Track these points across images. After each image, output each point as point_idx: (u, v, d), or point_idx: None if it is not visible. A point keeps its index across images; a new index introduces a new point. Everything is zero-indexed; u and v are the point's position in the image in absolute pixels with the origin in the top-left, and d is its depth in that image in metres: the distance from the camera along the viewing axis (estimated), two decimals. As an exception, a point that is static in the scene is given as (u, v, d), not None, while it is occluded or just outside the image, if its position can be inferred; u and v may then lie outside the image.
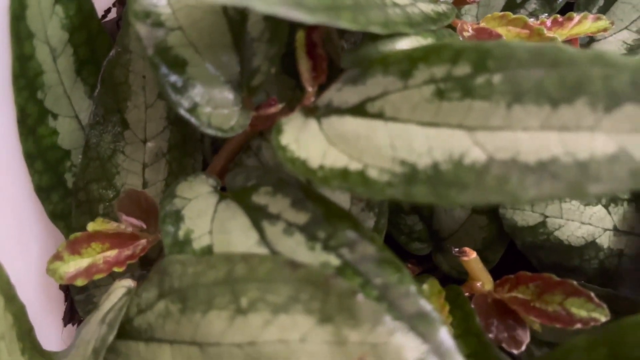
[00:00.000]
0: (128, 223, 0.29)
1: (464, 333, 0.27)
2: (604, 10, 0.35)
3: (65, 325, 0.32)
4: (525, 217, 0.31)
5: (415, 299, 0.22)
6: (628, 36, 0.35)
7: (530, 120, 0.21)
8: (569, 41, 0.35)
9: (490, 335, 0.27)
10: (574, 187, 0.20)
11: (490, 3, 0.35)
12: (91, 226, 0.29)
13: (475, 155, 0.21)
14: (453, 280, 0.32)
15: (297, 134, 0.25)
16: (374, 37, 0.25)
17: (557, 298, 0.27)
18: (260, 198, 0.26)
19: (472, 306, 0.28)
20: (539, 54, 0.21)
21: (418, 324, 0.22)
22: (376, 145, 0.23)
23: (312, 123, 0.25)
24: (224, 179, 0.28)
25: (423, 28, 0.25)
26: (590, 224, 0.32)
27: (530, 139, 0.21)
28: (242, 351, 0.22)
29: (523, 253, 0.32)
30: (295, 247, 0.24)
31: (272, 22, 0.25)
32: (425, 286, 0.26)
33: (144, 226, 0.29)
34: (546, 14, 0.34)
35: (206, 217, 0.26)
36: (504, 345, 0.27)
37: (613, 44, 0.35)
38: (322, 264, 0.23)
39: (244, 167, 0.29)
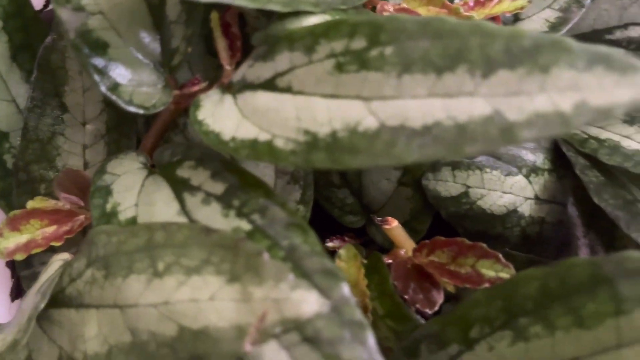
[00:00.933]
0: (66, 200, 0.30)
1: (379, 295, 0.28)
2: (525, -10, 0.37)
3: (12, 300, 0.34)
4: (448, 188, 0.33)
5: (319, 258, 0.24)
6: (551, 14, 0.36)
7: (418, 88, 0.23)
8: (493, 19, 0.36)
9: (406, 297, 0.29)
10: (452, 148, 0.21)
11: (417, -15, 0.37)
12: (30, 204, 0.30)
13: (369, 123, 0.23)
14: (387, 251, 0.34)
15: (214, 109, 0.26)
16: (283, 16, 0.26)
17: (469, 261, 0.29)
18: (183, 172, 0.28)
19: (392, 271, 0.30)
20: (426, 26, 0.23)
21: (320, 280, 0.23)
22: (284, 117, 0.25)
23: (228, 99, 0.27)
24: (153, 156, 0.30)
25: (331, 7, 0.27)
26: (511, 193, 0.33)
27: (418, 106, 0.22)
28: (157, 310, 0.24)
29: (448, 223, 0.34)
30: (211, 215, 0.26)
31: (187, 5, 0.27)
32: (341, 251, 0.28)
33: (82, 203, 0.31)
34: (468, -5, 0.36)
35: (133, 191, 0.28)
36: (418, 305, 0.29)
37: (536, 22, 0.36)
38: (234, 229, 0.25)
39: (171, 143, 0.30)
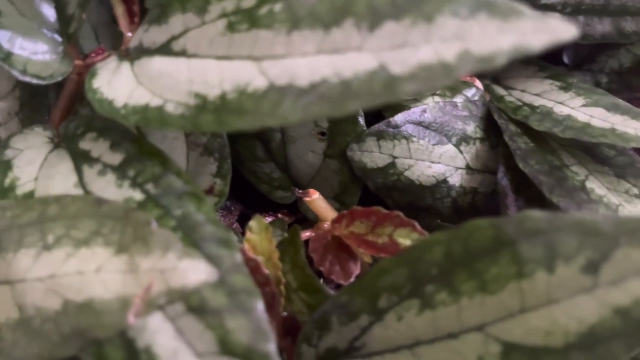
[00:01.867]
0: (-26, 179, 0.29)
1: (293, 267, 0.27)
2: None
3: None
4: (374, 159, 0.32)
5: (212, 227, 0.23)
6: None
7: (307, 45, 0.22)
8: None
9: (323, 270, 0.28)
10: (336, 105, 0.20)
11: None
12: (-64, 183, 0.29)
13: (258, 83, 0.22)
14: (318, 227, 0.33)
15: (110, 77, 0.25)
16: (177, -23, 0.25)
17: (387, 230, 0.28)
18: (85, 144, 0.27)
19: (310, 243, 0.29)
20: (313, -20, 0.22)
21: (211, 249, 0.22)
22: (177, 81, 0.24)
23: (126, 66, 0.25)
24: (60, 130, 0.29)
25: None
26: (440, 163, 0.32)
27: (306, 63, 0.21)
28: (43, 284, 0.23)
29: (377, 194, 0.33)
30: (106, 186, 0.25)
31: (79, -33, 0.26)
32: (252, 223, 0.27)
33: (-10, 182, 0.30)
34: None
35: (35, 165, 0.27)
36: (333, 277, 0.28)
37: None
38: (126, 200, 0.24)
39: (77, 116, 0.29)
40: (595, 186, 0.29)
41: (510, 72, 0.38)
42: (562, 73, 0.36)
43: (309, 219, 0.35)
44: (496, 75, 0.39)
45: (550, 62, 0.39)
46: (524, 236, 0.21)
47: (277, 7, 0.22)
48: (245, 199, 0.36)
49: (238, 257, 0.22)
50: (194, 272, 0.21)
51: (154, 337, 0.21)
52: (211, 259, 0.22)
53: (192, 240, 0.23)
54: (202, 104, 0.23)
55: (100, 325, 0.21)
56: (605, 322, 0.20)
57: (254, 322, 0.21)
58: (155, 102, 0.24)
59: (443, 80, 0.19)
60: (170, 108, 0.23)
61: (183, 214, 0.23)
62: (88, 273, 0.22)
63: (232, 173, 0.31)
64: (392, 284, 0.24)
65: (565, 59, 0.39)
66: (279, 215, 0.35)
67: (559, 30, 0.18)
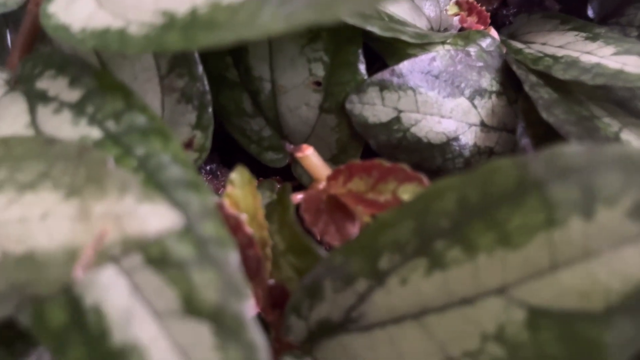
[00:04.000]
0: None
1: (280, 227, 0.24)
2: None
3: None
4: (376, 113, 0.28)
5: (179, 168, 0.19)
6: None
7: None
8: None
9: (315, 230, 0.24)
10: (324, 9, 0.17)
11: None
12: None
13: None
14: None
15: (69, 2, 0.22)
16: None
17: (390, 186, 0.24)
18: (43, 83, 0.23)
19: (303, 202, 0.25)
20: None
21: (177, 192, 0.19)
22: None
23: (86, -12, 0.22)
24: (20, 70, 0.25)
25: None
26: (451, 119, 0.28)
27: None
28: (-20, 234, 0.19)
29: (379, 154, 0.29)
30: (61, 125, 0.21)
31: None
32: (233, 175, 0.23)
33: (-58, 133, 0.26)
34: None
35: (-15, 108, 0.23)
36: (328, 239, 0.24)
37: None
38: (82, 138, 0.20)
39: (36, 54, 0.26)
40: (632, 138, 0.25)
41: (529, 28, 0.34)
42: (588, 24, 0.33)
43: (304, 186, 0.31)
44: (513, 31, 0.35)
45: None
46: (556, 176, 0.18)
47: None
48: (232, 162, 0.32)
49: (210, 201, 0.18)
50: (156, 217, 0.18)
51: (104, 293, 0.17)
52: (177, 204, 0.18)
53: (155, 183, 0.19)
54: (170, 22, 0.19)
55: (42, 280, 0.18)
56: (657, 279, 0.16)
57: (225, 277, 0.17)
58: (117, 24, 0.20)
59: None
60: (133, 29, 0.19)
61: (146, 154, 0.20)
62: (31, 220, 0.19)
63: (216, 131, 0.27)
64: (395, 240, 0.20)
65: (590, 13, 0.35)
66: (272, 178, 0.31)
67: None
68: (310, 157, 0.26)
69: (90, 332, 0.17)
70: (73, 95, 0.22)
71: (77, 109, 0.21)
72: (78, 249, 0.18)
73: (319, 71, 0.28)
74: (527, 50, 0.31)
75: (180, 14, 0.19)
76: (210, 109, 0.26)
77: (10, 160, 0.20)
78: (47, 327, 0.17)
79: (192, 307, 0.17)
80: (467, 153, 0.29)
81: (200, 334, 0.16)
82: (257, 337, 0.17)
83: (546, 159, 0.18)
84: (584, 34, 0.31)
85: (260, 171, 0.32)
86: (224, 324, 0.16)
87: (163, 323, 0.17)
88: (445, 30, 0.33)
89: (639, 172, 0.17)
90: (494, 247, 0.19)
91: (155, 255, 0.18)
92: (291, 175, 0.32)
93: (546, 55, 0.30)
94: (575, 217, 0.17)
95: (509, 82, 0.30)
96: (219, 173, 0.32)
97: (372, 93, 0.28)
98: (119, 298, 0.17)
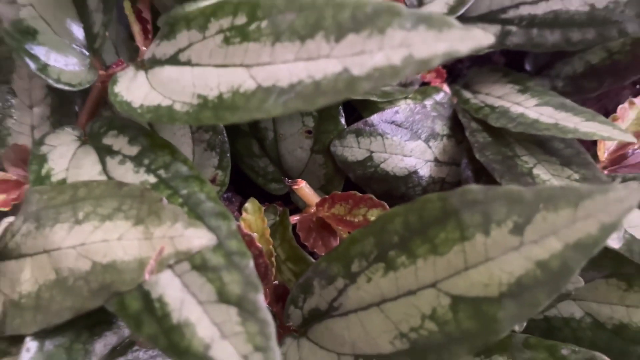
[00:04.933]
0: (13, 172, 0.35)
1: (281, 242, 0.32)
2: (428, -23, 0.41)
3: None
4: (354, 153, 0.36)
5: (212, 204, 0.28)
6: (450, -2, 0.40)
7: (287, 54, 0.27)
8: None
9: (307, 244, 0.33)
10: (309, 101, 0.25)
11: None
12: (-18, 176, 0.34)
13: (248, 85, 0.27)
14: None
15: (129, 83, 0.31)
16: (183, 1, 0.30)
17: (362, 211, 0.33)
18: (108, 140, 0.32)
19: (298, 223, 0.34)
20: (291, 2, 0.27)
21: (211, 220, 0.27)
22: (183, 85, 0.29)
23: (141, 74, 0.31)
24: (86, 129, 0.34)
25: (228, -9, 0.31)
26: (412, 157, 0.37)
27: (286, 68, 0.26)
28: (75, 251, 0.28)
29: (358, 185, 0.37)
30: (125, 173, 0.30)
31: (103, -6, 0.31)
32: (247, 204, 0.32)
33: (27, 174, 0.35)
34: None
35: (66, 158, 0.32)
36: (316, 251, 0.33)
37: (438, 5, 0.40)
38: (142, 182, 0.29)
39: (100, 117, 0.34)
40: (542, 172, 0.34)
41: (479, 79, 0.43)
42: (523, 77, 0.41)
43: (300, 209, 0.40)
44: (467, 81, 0.44)
45: (514, 69, 0.44)
46: (465, 206, 0.26)
47: (264, 24, 0.27)
48: (244, 192, 0.41)
49: (233, 226, 0.27)
50: (197, 238, 0.26)
51: (165, 289, 0.26)
52: (211, 228, 0.27)
53: (195, 214, 0.28)
54: (203, 103, 0.28)
55: (122, 281, 0.26)
56: (530, 273, 0.25)
57: (245, 277, 0.25)
58: (165, 102, 0.29)
59: (392, 79, 0.24)
60: (177, 107, 0.28)
61: (188, 193, 0.28)
62: (112, 241, 0.27)
63: (232, 169, 0.36)
64: (362, 251, 0.29)
65: (527, 67, 0.44)
66: (274, 204, 0.40)
67: (480, 38, 0.23)
68: (304, 188, 0.35)
69: (157, 315, 0.25)
70: (132, 150, 0.31)
71: (137, 160, 0.30)
72: (145, 260, 0.27)
73: (310, 123, 0.37)
74: (472, 100, 0.40)
75: (210, 97, 0.28)
76: (228, 154, 0.35)
77: (92, 198, 0.29)
78: (127, 312, 0.26)
79: (223, 297, 0.25)
80: (424, 183, 0.37)
81: (230, 314, 0.25)
82: (268, 316, 0.25)
83: (459, 194, 0.26)
84: (517, 87, 0.40)
85: (266, 198, 0.40)
86: (245, 308, 0.25)
87: (204, 308, 0.25)
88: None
89: (517, 205, 0.25)
90: (428, 255, 0.27)
91: (197, 263, 0.26)
92: (289, 201, 0.40)
93: (486, 105, 0.39)
94: (479, 234, 0.26)
95: (457, 127, 0.38)
96: (233, 199, 0.40)
97: (350, 139, 0.36)
98: (174, 292, 0.26)
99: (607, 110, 0.39)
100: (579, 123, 0.34)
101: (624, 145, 0.36)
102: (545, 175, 0.34)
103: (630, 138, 0.31)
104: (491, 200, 0.26)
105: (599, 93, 0.42)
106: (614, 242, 0.29)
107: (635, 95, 0.44)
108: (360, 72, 0.25)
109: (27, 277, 0.29)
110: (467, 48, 0.23)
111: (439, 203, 0.27)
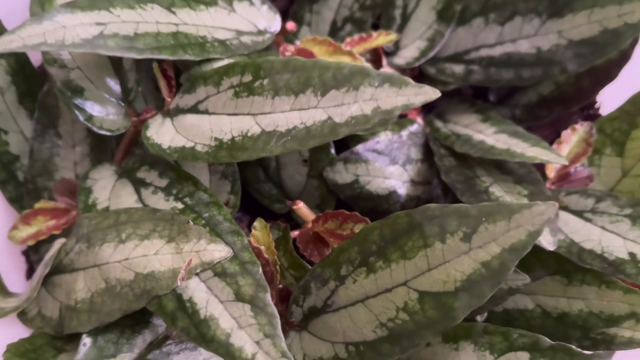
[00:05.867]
0: (62, 202, 0.42)
1: (284, 252, 0.39)
2: (402, 26, 0.48)
3: (27, 279, 0.45)
4: (343, 177, 0.44)
5: (228, 224, 0.35)
6: (421, 43, 0.48)
7: (284, 106, 0.34)
8: (376, 50, 0.48)
9: (305, 254, 0.40)
10: (302, 142, 0.32)
11: (319, 27, 0.48)
12: (37, 205, 0.42)
13: (255, 129, 0.34)
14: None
15: (158, 129, 0.38)
16: (200, 62, 0.38)
17: (349, 225, 0.40)
18: (141, 174, 0.39)
19: (297, 237, 0.41)
20: (287, 64, 0.34)
21: (228, 237, 0.34)
22: (202, 130, 0.36)
23: (168, 121, 0.38)
24: (122, 165, 0.41)
25: (235, 53, 0.38)
26: (391, 179, 0.44)
27: (284, 117, 0.34)
28: (120, 264, 0.35)
29: (347, 203, 0.45)
30: (158, 200, 0.37)
31: (135, 59, 0.38)
32: (255, 223, 0.39)
33: (73, 203, 0.42)
34: (357, 34, 0.47)
35: (107, 190, 0.39)
36: (312, 259, 0.40)
37: (411, 50, 0.48)
38: (172, 208, 0.36)
39: (135, 155, 0.42)
40: (496, 190, 0.41)
41: (450, 109, 0.50)
42: (486, 107, 0.49)
43: (299, 225, 0.47)
44: (440, 111, 0.51)
45: (481, 99, 0.51)
46: (426, 220, 0.33)
47: (265, 81, 0.35)
48: (252, 211, 0.48)
49: (245, 241, 0.34)
50: (218, 251, 0.34)
51: (193, 292, 0.33)
52: (228, 243, 0.34)
53: (215, 232, 0.35)
54: (220, 145, 0.35)
55: (159, 287, 0.34)
56: (477, 272, 0.32)
57: (256, 281, 0.33)
58: (189, 144, 0.36)
59: (364, 125, 0.31)
60: (199, 148, 0.36)
61: (209, 216, 0.35)
62: (150, 256, 0.34)
63: (241, 192, 0.43)
64: (348, 258, 0.36)
65: (491, 97, 0.51)
66: (278, 222, 0.47)
67: (430, 93, 0.31)
68: (302, 208, 0.42)
69: (188, 312, 0.32)
70: (162, 182, 0.38)
71: (167, 190, 0.37)
72: (177, 270, 0.34)
73: (306, 153, 0.44)
74: (442, 129, 0.47)
75: (225, 140, 0.35)
76: (238, 181, 0.42)
77: (132, 222, 0.36)
78: (164, 311, 0.33)
79: (239, 297, 0.32)
80: (402, 200, 0.44)
81: (244, 310, 0.32)
82: (274, 311, 0.32)
83: (422, 211, 0.33)
84: (480, 116, 0.47)
85: (270, 216, 0.47)
86: (256, 305, 0.32)
87: (225, 305, 0.32)
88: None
89: (466, 218, 0.32)
90: (399, 260, 0.34)
91: (218, 271, 0.33)
92: (290, 218, 0.47)
93: (453, 133, 0.46)
94: (437, 242, 0.33)
95: (429, 152, 0.45)
96: (243, 218, 0.47)
97: (340, 165, 0.44)
98: (201, 294, 0.33)
99: (559, 133, 0.46)
100: (526, 148, 0.41)
101: (567, 165, 0.43)
102: (500, 192, 0.41)
103: (564, 161, 0.39)
104: (446, 215, 0.33)
105: (551, 119, 0.49)
106: (550, 245, 0.36)
107: (584, 119, 0.51)
108: (340, 120, 0.32)
109: (81, 286, 0.37)
110: (420, 101, 0.31)
111: (406, 218, 0.34)
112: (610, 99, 0.48)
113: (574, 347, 0.36)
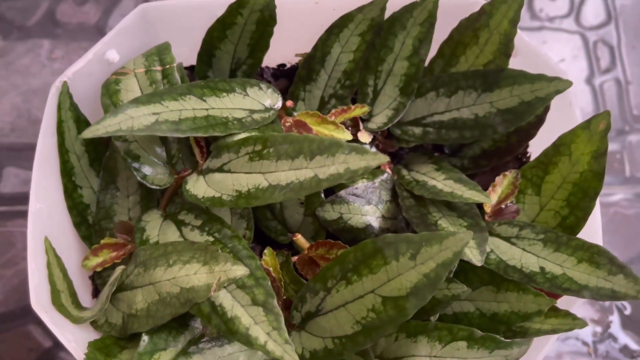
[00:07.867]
0: (121, 238, 0.55)
1: (287, 272, 0.53)
2: (373, 100, 0.62)
3: (93, 298, 0.58)
4: (331, 215, 0.57)
5: (246, 251, 0.48)
6: (389, 112, 0.62)
7: (284, 167, 0.47)
8: (354, 118, 0.62)
9: (303, 273, 0.53)
10: (297, 192, 0.46)
11: (311, 102, 0.62)
12: (102, 241, 0.55)
13: (264, 184, 0.48)
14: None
15: (194, 183, 0.52)
16: (224, 135, 0.52)
17: (334, 251, 0.53)
18: (182, 216, 0.53)
19: (296, 261, 0.54)
20: (286, 138, 0.48)
21: (245, 261, 0.48)
22: (226, 184, 0.50)
23: (201, 178, 0.52)
24: (166, 210, 0.55)
25: (251, 128, 0.52)
26: (367, 215, 0.57)
27: (284, 174, 0.47)
28: (169, 282, 0.48)
29: (335, 235, 0.58)
30: (195, 236, 0.50)
31: (177, 133, 0.52)
32: (265, 251, 0.52)
33: (130, 239, 0.56)
34: (340, 107, 0.61)
35: (156, 229, 0.53)
36: (308, 277, 0.53)
37: (381, 117, 0.62)
38: (205, 241, 0.50)
39: (175, 203, 0.55)
40: (444, 222, 0.54)
41: (414, 160, 0.64)
42: (440, 159, 0.62)
43: (298, 251, 0.60)
44: (406, 162, 0.64)
45: (438, 152, 0.65)
46: (385, 246, 0.46)
47: (271, 150, 0.48)
48: (263, 243, 0.61)
49: (258, 264, 0.47)
50: (239, 271, 0.46)
51: (222, 299, 0.46)
52: (246, 265, 0.47)
53: (237, 257, 0.48)
54: (239, 195, 0.48)
55: (198, 297, 0.46)
56: (420, 281, 0.44)
57: (266, 291, 0.45)
58: (217, 195, 0.49)
59: (339, 181, 0.45)
60: (224, 197, 0.49)
61: (232, 246, 0.49)
62: (190, 275, 0.47)
63: (254, 228, 0.56)
64: (332, 274, 0.48)
65: (446, 150, 0.65)
66: (282, 250, 0.60)
67: (383, 158, 0.44)
68: (300, 239, 0.55)
69: (219, 313, 0.45)
70: (198, 222, 0.51)
71: (201, 228, 0.51)
72: (210, 284, 0.47)
73: (302, 198, 0.57)
74: (406, 177, 0.60)
75: (243, 191, 0.48)
76: (252, 220, 0.55)
77: (176, 252, 0.49)
78: (202, 313, 0.46)
79: (255, 302, 0.45)
80: (376, 232, 0.57)
81: (258, 311, 0.45)
82: (280, 312, 0.45)
83: (382, 239, 0.46)
84: (435, 166, 0.60)
85: (276, 245, 0.60)
86: (267, 307, 0.45)
87: (244, 308, 0.45)
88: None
89: (412, 244, 0.45)
90: (368, 274, 0.46)
91: (240, 284, 0.46)
92: (292, 247, 0.61)
93: (414, 179, 0.59)
94: (393, 260, 0.45)
95: (396, 195, 0.59)
96: (256, 248, 0.61)
97: (328, 206, 0.57)
98: (228, 300, 0.46)
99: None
100: (465, 191, 0.54)
101: (500, 202, 0.57)
102: (446, 224, 0.54)
103: (489, 201, 0.52)
104: (399, 241, 0.45)
105: (491, 167, 0.62)
106: (478, 262, 0.49)
107: (519, 166, 0.65)
108: (323, 177, 0.45)
109: (140, 299, 0.50)
110: (376, 164, 0.44)
111: (372, 244, 0.47)
112: (538, 149, 0.61)
113: (498, 336, 0.49)
